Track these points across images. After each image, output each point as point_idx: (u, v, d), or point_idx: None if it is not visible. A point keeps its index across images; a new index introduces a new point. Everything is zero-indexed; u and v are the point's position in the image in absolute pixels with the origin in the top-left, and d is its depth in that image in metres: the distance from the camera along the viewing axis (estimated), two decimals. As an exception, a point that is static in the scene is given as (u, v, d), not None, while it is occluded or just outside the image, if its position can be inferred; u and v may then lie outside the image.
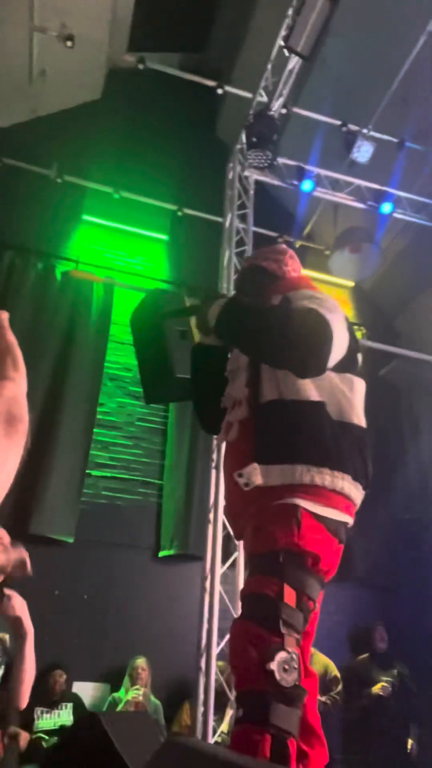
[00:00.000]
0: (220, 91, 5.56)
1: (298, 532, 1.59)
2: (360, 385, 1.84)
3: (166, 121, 6.99)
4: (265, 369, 1.80)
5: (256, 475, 1.68)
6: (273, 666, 1.40)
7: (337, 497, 1.67)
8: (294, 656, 1.44)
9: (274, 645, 1.43)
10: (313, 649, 4.67)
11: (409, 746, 4.81)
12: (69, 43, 5.15)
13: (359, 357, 1.90)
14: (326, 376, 1.74)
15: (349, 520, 1.75)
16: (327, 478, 1.64)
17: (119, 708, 4.34)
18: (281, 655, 1.42)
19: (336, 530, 1.68)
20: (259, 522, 1.67)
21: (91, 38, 5.81)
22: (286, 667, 1.42)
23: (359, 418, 1.79)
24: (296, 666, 1.43)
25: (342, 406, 1.75)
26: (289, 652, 1.43)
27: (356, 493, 1.72)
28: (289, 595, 1.51)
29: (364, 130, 5.53)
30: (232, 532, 1.94)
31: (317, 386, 1.73)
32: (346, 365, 1.79)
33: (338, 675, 4.72)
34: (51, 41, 5.31)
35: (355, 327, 7.19)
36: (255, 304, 1.92)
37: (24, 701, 2.15)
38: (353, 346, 1.83)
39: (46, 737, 4.01)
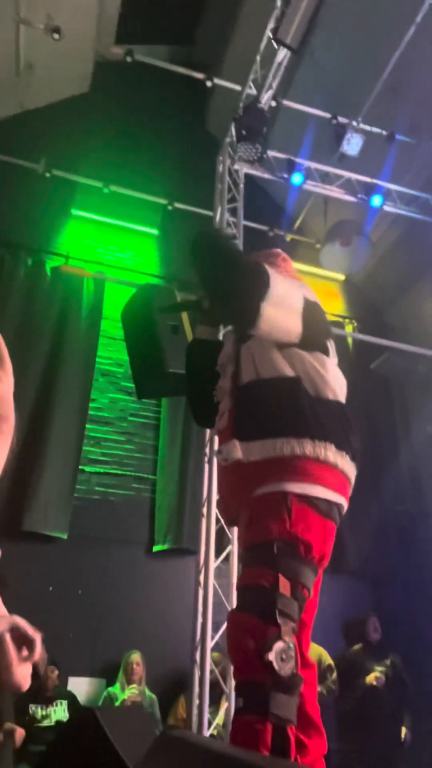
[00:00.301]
0: (209, 83, 5.54)
1: (289, 520, 1.60)
2: (332, 365, 1.88)
3: (155, 115, 6.95)
4: (243, 354, 1.85)
5: (235, 450, 1.71)
6: (271, 656, 1.42)
7: (325, 471, 1.67)
8: (291, 645, 1.46)
9: (271, 635, 1.45)
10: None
11: (402, 735, 4.86)
12: (56, 36, 5.10)
13: (330, 345, 1.93)
14: (297, 354, 1.79)
15: (342, 501, 1.74)
16: (308, 447, 1.66)
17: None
18: (278, 645, 1.44)
19: (328, 511, 1.68)
20: (251, 513, 1.69)
21: (79, 31, 5.75)
22: (284, 656, 1.44)
23: (335, 394, 1.81)
24: (293, 655, 1.46)
25: (316, 382, 1.78)
26: (286, 642, 1.46)
27: (344, 462, 1.72)
28: (284, 585, 1.53)
29: (354, 123, 5.52)
30: (222, 519, 1.96)
31: (290, 364, 1.78)
32: (315, 345, 1.83)
33: (332, 663, 4.76)
34: (38, 34, 5.26)
35: (346, 320, 7.24)
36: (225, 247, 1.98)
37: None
38: (321, 328, 1.90)
39: (43, 728, 4.02)
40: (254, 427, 1.73)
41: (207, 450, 4.34)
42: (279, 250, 2.21)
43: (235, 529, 3.63)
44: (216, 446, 1.96)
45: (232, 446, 1.73)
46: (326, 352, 1.88)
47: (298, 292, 1.85)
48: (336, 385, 1.83)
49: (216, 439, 2.00)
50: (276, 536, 1.59)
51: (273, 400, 1.74)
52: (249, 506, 1.69)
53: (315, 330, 1.86)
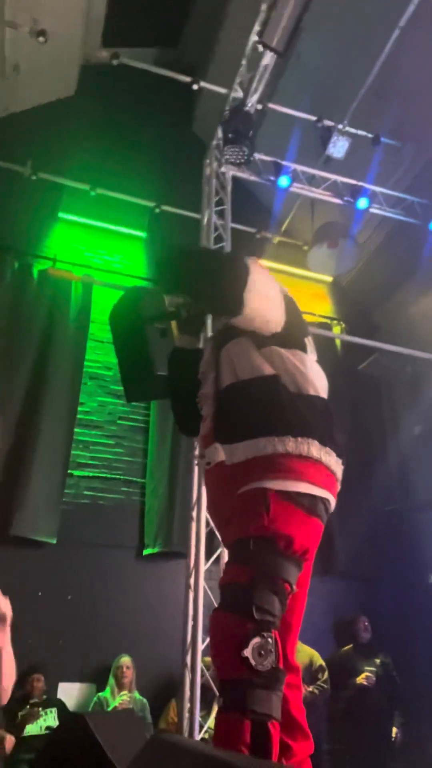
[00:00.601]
0: (195, 86, 5.54)
1: (267, 516, 1.58)
2: (311, 362, 1.87)
3: (141, 117, 6.95)
4: (222, 359, 1.86)
5: (217, 453, 1.71)
6: (247, 653, 1.41)
7: (308, 467, 1.66)
8: (270, 640, 1.45)
9: (249, 631, 1.44)
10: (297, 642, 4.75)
11: (393, 734, 4.88)
12: (41, 39, 5.09)
13: (309, 342, 1.93)
14: (275, 352, 1.79)
15: (329, 496, 1.72)
16: (290, 444, 1.65)
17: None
18: (256, 641, 1.43)
19: (312, 507, 1.66)
20: (232, 512, 1.69)
21: (64, 34, 5.74)
22: (262, 651, 1.43)
23: (316, 390, 1.80)
24: (272, 649, 1.44)
25: (296, 379, 1.77)
26: (264, 636, 1.44)
27: (328, 458, 1.71)
28: (262, 580, 1.52)
29: (340, 126, 5.56)
30: (213, 524, 1.96)
31: (269, 362, 1.78)
32: (293, 342, 1.84)
33: (323, 664, 4.77)
34: (23, 37, 5.25)
35: (334, 322, 7.27)
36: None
37: (5, 698, 2.13)
38: (298, 325, 1.90)
39: (33, 736, 3.99)
40: (236, 429, 1.72)
41: (196, 453, 4.34)
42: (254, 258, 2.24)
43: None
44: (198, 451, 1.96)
45: (214, 450, 1.73)
46: (304, 349, 1.88)
47: (276, 285, 1.87)
48: (317, 380, 1.83)
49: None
50: (253, 532, 1.58)
51: (253, 400, 1.73)
52: (231, 506, 1.69)
53: (293, 325, 1.86)
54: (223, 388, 1.81)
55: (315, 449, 1.67)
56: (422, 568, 5.98)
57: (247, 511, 1.62)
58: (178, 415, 2.14)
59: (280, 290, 1.87)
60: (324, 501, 1.71)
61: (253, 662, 1.41)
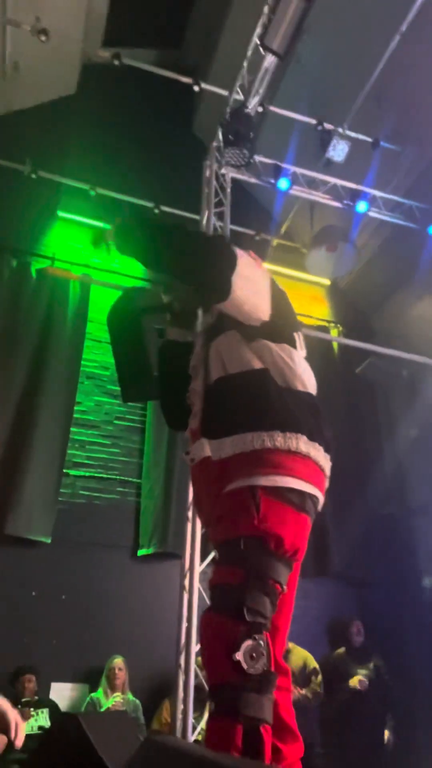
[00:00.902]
0: (196, 88, 5.55)
1: (257, 515, 1.56)
2: (300, 357, 1.86)
3: (142, 118, 6.95)
4: (212, 353, 1.84)
5: (203, 449, 1.69)
6: (239, 656, 1.39)
7: (297, 462, 1.64)
8: (261, 642, 1.43)
9: (240, 634, 1.42)
10: (291, 644, 4.75)
11: (385, 738, 4.88)
12: (43, 38, 5.08)
13: (298, 337, 1.92)
14: (264, 346, 1.78)
15: (317, 492, 1.70)
16: (279, 439, 1.62)
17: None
18: (247, 644, 1.41)
19: (301, 504, 1.64)
20: (220, 511, 1.65)
21: (66, 33, 5.74)
22: (254, 654, 1.41)
23: (304, 385, 1.79)
24: (264, 652, 1.42)
25: (285, 373, 1.75)
26: (255, 639, 1.42)
27: (317, 453, 1.69)
28: (253, 582, 1.50)
29: (340, 129, 5.57)
30: (201, 522, 1.94)
31: (258, 356, 1.76)
32: (282, 336, 1.83)
33: (317, 667, 4.77)
34: (24, 35, 5.24)
35: (332, 325, 7.28)
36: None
37: None
38: (287, 318, 1.90)
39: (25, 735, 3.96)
40: (223, 424, 1.70)
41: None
42: (251, 252, 2.22)
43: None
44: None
45: (200, 445, 1.70)
46: (293, 344, 1.86)
47: (262, 272, 1.86)
48: (305, 376, 1.81)
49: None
50: (243, 532, 1.55)
51: (241, 394, 1.71)
52: (219, 504, 1.66)
53: (282, 318, 1.85)
54: (212, 382, 1.79)
55: (303, 444, 1.65)
56: (417, 572, 5.99)
57: (237, 510, 1.59)
58: (167, 409, 2.12)
59: (268, 279, 1.87)
60: (312, 497, 1.68)
61: (245, 666, 1.39)
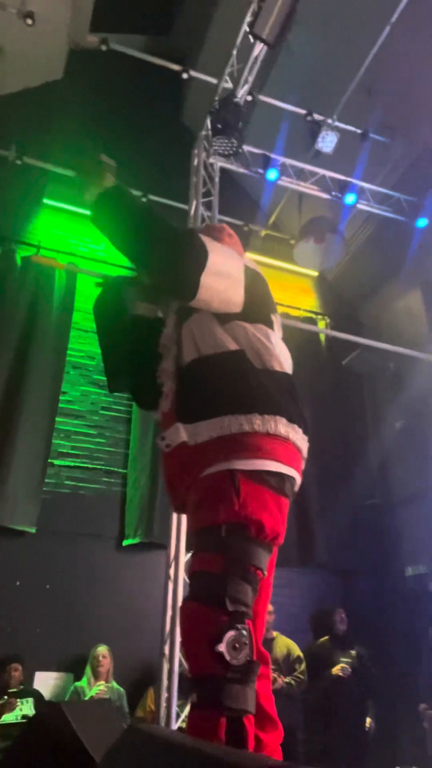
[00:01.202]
0: (185, 75, 5.50)
1: (238, 500, 1.53)
2: (276, 338, 1.81)
3: (130, 105, 6.87)
4: (184, 333, 1.79)
5: (178, 434, 1.65)
6: (222, 647, 1.37)
7: (276, 445, 1.61)
8: (244, 632, 1.41)
9: (222, 624, 1.40)
10: (275, 633, 4.79)
11: (367, 725, 4.96)
12: (29, 21, 5.00)
13: (275, 318, 1.88)
14: (239, 326, 1.73)
15: (295, 474, 1.68)
16: (257, 422, 1.59)
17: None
18: (230, 634, 1.39)
19: (281, 486, 1.61)
20: (199, 496, 1.62)
21: (52, 17, 5.66)
22: (237, 645, 1.39)
23: (282, 366, 1.75)
24: (247, 641, 1.41)
25: (262, 354, 1.71)
26: (238, 629, 1.40)
27: (296, 436, 1.66)
28: (235, 569, 1.48)
29: (329, 120, 5.56)
30: (172, 506, 1.89)
31: (233, 336, 1.72)
32: (257, 317, 1.78)
33: (301, 655, 4.82)
34: (10, 18, 5.15)
35: (319, 317, 7.30)
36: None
37: None
38: (263, 300, 1.85)
39: (9, 724, 3.98)
40: (199, 408, 1.65)
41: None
42: (224, 225, 2.16)
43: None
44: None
45: (175, 430, 1.66)
46: (270, 325, 1.82)
47: (238, 261, 1.80)
48: (282, 356, 1.77)
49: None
50: (224, 519, 1.52)
51: (217, 377, 1.66)
52: (196, 489, 1.62)
53: (257, 300, 1.81)
54: (186, 364, 1.74)
55: (282, 426, 1.62)
56: (401, 562, 6.06)
57: (216, 496, 1.55)
58: (136, 388, 2.06)
59: (242, 266, 1.81)
60: (291, 479, 1.66)
61: (228, 657, 1.37)
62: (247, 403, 1.61)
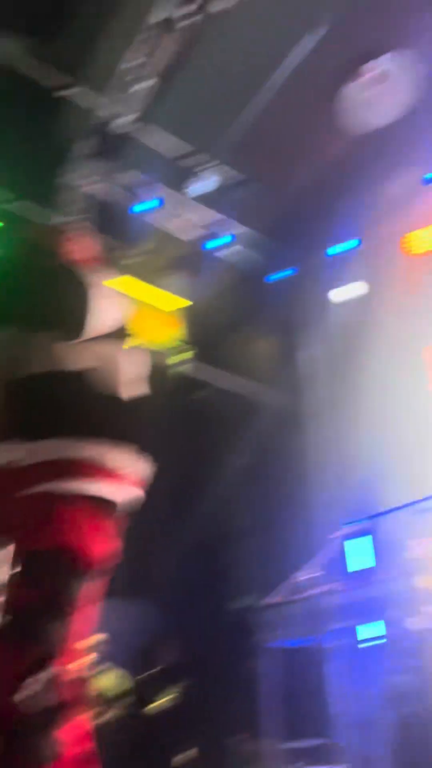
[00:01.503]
0: (65, 91, 5.34)
1: (57, 525, 1.46)
2: (121, 357, 1.78)
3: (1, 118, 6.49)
4: (21, 347, 1.71)
5: (5, 455, 1.56)
6: (20, 697, 1.26)
7: (104, 468, 1.58)
8: (46, 675, 1.31)
9: (20, 669, 1.29)
10: (107, 665, 4.64)
11: (192, 756, 4.93)
12: None
13: (122, 342, 1.86)
14: (80, 346, 1.69)
15: (123, 497, 1.64)
16: (82, 445, 1.55)
17: None
18: (29, 680, 1.28)
19: (105, 510, 1.57)
20: (15, 521, 1.52)
21: None
22: (37, 689, 1.28)
23: (119, 387, 1.71)
24: (50, 685, 1.31)
25: (98, 375, 1.68)
26: (45, 669, 1.31)
27: (123, 458, 1.63)
28: (48, 602, 1.39)
29: (210, 159, 5.69)
30: None
31: (73, 357, 1.67)
32: (99, 336, 1.76)
33: (128, 689, 4.73)
34: None
35: (177, 349, 7.36)
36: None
37: None
38: (117, 323, 1.83)
39: None
40: (24, 428, 1.58)
41: None
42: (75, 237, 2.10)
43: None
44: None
45: (2, 450, 1.58)
46: (112, 344, 1.77)
47: (115, 305, 1.80)
48: (120, 377, 1.73)
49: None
50: (39, 545, 1.44)
51: (50, 397, 1.61)
52: (14, 514, 1.53)
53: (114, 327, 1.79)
54: (16, 379, 1.65)
55: (111, 450, 1.59)
56: (233, 595, 6.19)
57: (34, 520, 1.47)
58: None
59: (116, 304, 1.82)
60: (118, 504, 1.62)
61: (22, 708, 1.25)
62: (79, 425, 1.58)
